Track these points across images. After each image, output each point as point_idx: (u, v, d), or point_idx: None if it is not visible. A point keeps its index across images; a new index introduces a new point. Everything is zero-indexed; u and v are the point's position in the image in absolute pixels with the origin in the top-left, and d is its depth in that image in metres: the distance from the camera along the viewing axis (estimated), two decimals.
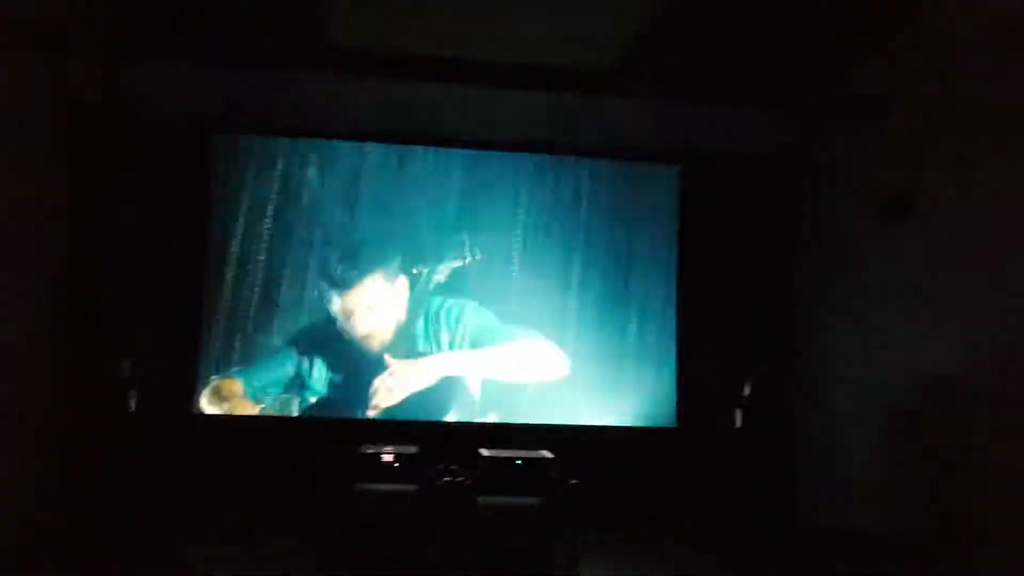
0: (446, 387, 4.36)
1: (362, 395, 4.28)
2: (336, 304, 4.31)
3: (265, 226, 4.29)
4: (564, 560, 3.59)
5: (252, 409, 4.19)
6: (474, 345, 4.37)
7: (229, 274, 4.24)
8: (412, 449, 3.88)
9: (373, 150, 4.38)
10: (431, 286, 4.38)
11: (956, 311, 3.21)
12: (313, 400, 4.25)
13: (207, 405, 4.16)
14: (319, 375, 4.26)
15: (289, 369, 4.23)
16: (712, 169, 4.55)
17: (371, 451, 3.83)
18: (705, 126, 4.02)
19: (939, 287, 3.31)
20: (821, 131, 4.07)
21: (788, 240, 4.50)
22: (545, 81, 3.53)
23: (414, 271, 4.36)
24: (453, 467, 3.86)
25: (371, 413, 4.30)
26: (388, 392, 4.31)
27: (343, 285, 4.32)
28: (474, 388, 4.39)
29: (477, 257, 4.41)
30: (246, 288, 4.25)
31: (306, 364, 4.25)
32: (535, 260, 4.45)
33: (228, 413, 4.16)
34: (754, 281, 4.51)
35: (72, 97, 3.82)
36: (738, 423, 3.88)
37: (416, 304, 4.36)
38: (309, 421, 4.23)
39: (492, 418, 4.38)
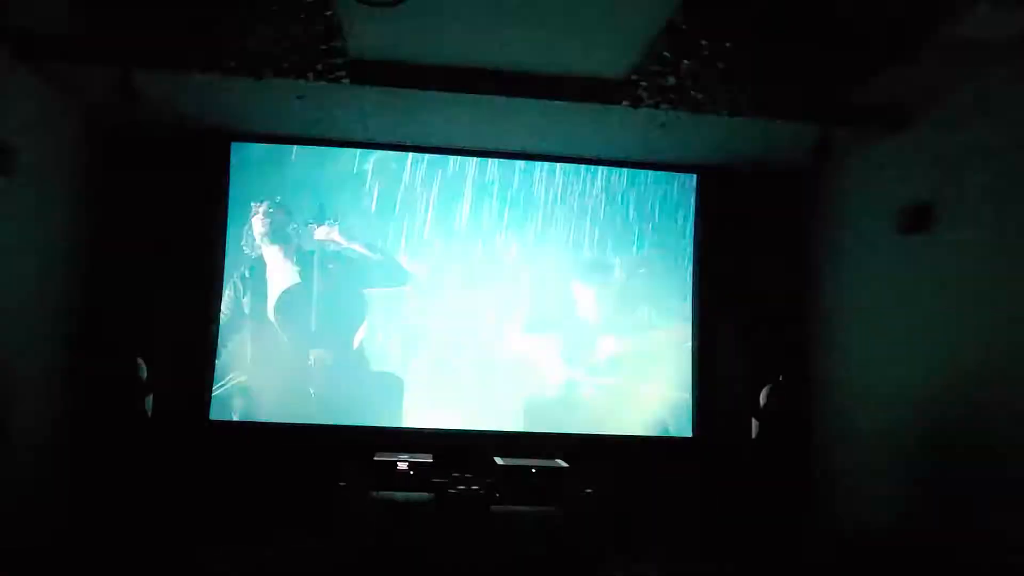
0: None
1: None
2: None
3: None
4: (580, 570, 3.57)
5: None
6: None
7: (243, 281, 4.25)
8: (427, 458, 3.89)
9: (389, 158, 4.39)
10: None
11: (976, 320, 3.17)
12: None
13: None
14: None
15: None
16: (730, 177, 4.52)
17: (386, 459, 3.84)
18: (722, 134, 3.98)
19: (959, 297, 3.27)
20: (842, 138, 4.02)
21: (807, 248, 4.45)
22: (560, 90, 3.52)
23: None
24: (467, 476, 3.86)
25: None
26: None
27: None
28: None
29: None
30: (259, 295, 4.27)
31: None
32: (550, 270, 4.43)
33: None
34: (772, 290, 4.47)
35: (88, 104, 3.84)
36: (755, 433, 3.84)
37: None
38: (322, 428, 4.22)
39: (506, 425, 4.37)
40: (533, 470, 3.84)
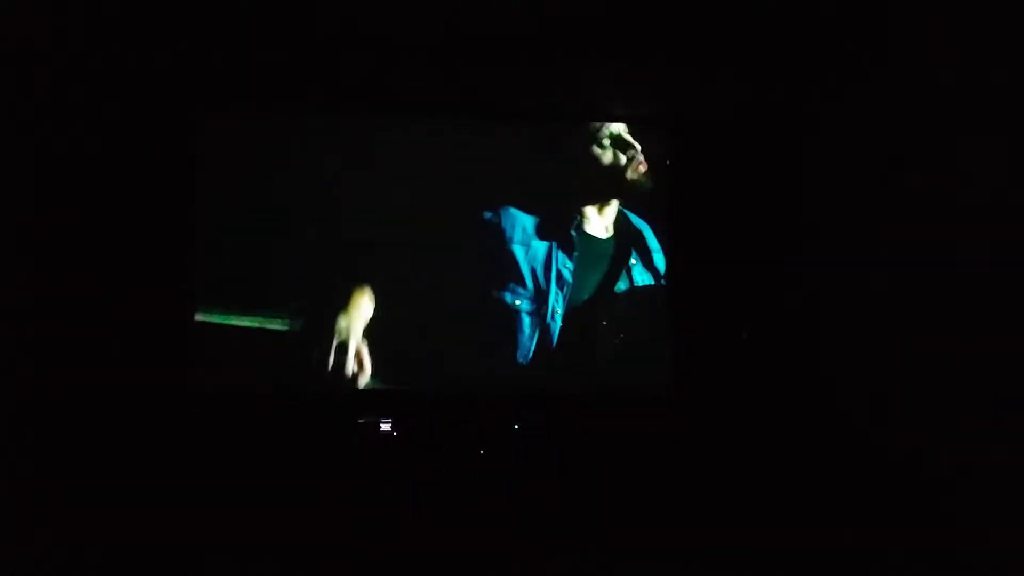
0: None
1: None
2: None
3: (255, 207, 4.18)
4: None
5: None
6: None
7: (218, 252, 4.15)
8: (409, 418, 3.89)
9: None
10: None
11: (950, 275, 3.18)
12: None
13: None
14: None
15: None
16: (703, 129, 4.46)
17: (368, 421, 3.85)
18: (694, 86, 3.94)
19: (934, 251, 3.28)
20: (813, 89, 3.99)
21: (782, 202, 4.43)
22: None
23: None
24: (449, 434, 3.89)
25: None
26: None
27: None
28: None
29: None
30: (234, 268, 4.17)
31: None
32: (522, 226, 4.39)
33: None
34: (750, 242, 4.45)
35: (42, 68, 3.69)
36: (733, 389, 3.87)
37: None
38: (301, 394, 4.16)
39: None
40: (516, 426, 3.87)
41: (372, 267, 4.20)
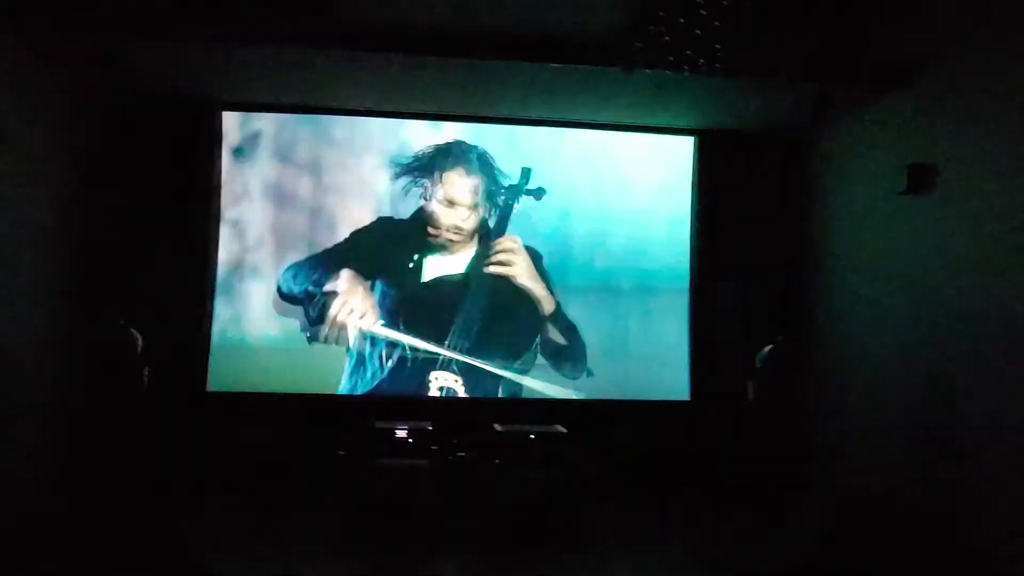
0: None
1: None
2: None
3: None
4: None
5: None
6: None
7: (237, 248, 4.24)
8: (427, 425, 3.90)
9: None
10: None
11: (974, 285, 3.15)
12: None
13: None
14: None
15: None
16: (729, 139, 4.48)
17: (385, 427, 3.86)
18: (721, 95, 3.95)
19: (959, 258, 3.24)
20: (841, 99, 3.99)
21: (807, 210, 4.42)
22: (550, 52, 3.47)
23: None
24: (467, 442, 3.89)
25: None
26: None
27: None
28: None
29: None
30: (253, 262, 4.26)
31: None
32: (548, 233, 4.42)
33: None
34: (770, 252, 4.45)
35: (77, 76, 3.80)
36: (751, 395, 3.85)
37: None
38: (321, 397, 4.22)
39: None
40: (532, 436, 3.86)
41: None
